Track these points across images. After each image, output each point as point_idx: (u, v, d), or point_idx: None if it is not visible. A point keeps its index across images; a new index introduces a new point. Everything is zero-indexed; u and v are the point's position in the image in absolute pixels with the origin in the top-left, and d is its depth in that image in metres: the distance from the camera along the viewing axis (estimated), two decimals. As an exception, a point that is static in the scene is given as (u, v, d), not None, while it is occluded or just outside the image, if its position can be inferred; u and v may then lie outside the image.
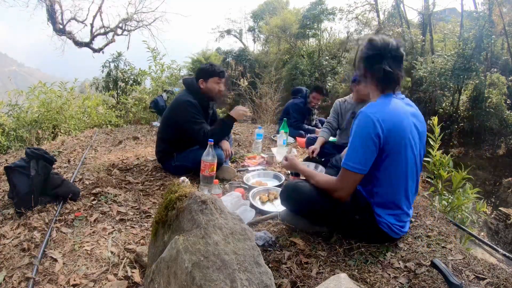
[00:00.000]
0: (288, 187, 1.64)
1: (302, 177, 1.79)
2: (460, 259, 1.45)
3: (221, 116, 2.96)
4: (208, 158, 2.06)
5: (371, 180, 1.44)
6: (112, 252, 1.46)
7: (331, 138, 3.09)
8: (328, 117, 3.05)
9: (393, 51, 1.36)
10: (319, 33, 15.76)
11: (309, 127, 4.05)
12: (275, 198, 2.05)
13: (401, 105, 1.41)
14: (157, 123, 4.83)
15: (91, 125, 5.32)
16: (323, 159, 2.74)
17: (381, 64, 1.34)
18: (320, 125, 4.15)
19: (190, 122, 2.32)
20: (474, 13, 11.30)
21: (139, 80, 7.19)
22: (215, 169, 2.06)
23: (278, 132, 3.54)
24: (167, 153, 2.46)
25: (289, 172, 2.56)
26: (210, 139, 2.06)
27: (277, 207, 1.94)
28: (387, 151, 1.35)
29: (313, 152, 2.73)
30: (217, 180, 1.97)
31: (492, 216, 5.54)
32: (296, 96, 4.17)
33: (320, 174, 1.61)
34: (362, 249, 1.49)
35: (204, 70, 2.41)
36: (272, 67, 14.65)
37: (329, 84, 13.15)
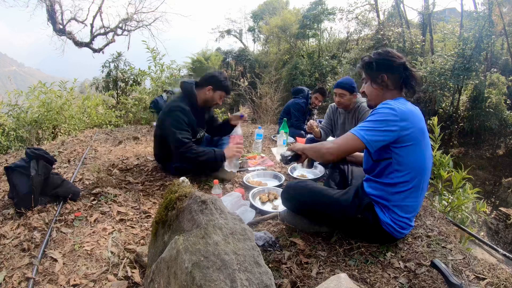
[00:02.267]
0: (289, 187, 1.65)
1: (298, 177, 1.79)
2: (460, 259, 1.45)
3: (221, 116, 2.96)
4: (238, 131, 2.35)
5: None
6: (112, 252, 1.46)
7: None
8: (323, 122, 3.05)
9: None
10: (319, 33, 15.76)
11: None
12: (275, 198, 2.05)
13: (415, 107, 1.46)
14: (157, 123, 4.83)
15: (91, 125, 5.31)
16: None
17: (407, 71, 1.48)
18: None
19: (174, 128, 2.22)
20: (474, 13, 11.30)
21: (139, 80, 7.18)
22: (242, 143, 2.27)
23: (278, 132, 3.54)
24: (165, 155, 2.45)
25: (289, 172, 2.57)
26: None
27: (277, 207, 1.94)
28: (409, 140, 1.36)
29: (312, 125, 2.71)
30: (217, 180, 1.97)
31: (492, 216, 5.54)
32: (297, 96, 4.17)
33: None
34: (362, 249, 1.49)
35: (218, 80, 2.36)
36: (272, 67, 14.67)
37: (329, 84, 13.14)
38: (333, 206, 1.49)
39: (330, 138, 2.41)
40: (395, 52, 1.51)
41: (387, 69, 1.48)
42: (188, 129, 2.29)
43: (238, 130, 2.60)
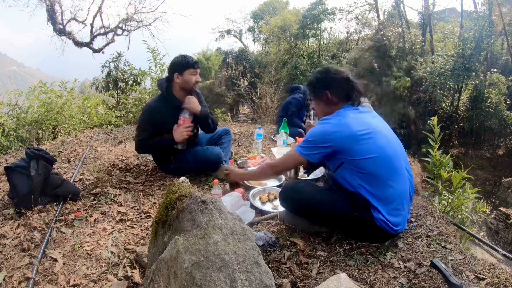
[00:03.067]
0: (287, 187, 1.66)
1: (300, 177, 1.81)
2: (460, 259, 1.45)
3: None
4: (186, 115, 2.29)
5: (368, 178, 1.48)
6: (112, 252, 1.46)
7: None
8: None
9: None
10: (319, 33, 15.77)
11: (302, 124, 4.06)
12: (275, 198, 2.05)
13: (355, 114, 1.57)
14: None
15: (91, 125, 5.31)
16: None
17: (350, 83, 1.63)
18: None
19: (137, 128, 2.36)
20: (474, 13, 11.31)
21: (139, 80, 7.18)
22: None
23: (278, 132, 3.54)
24: (163, 157, 2.45)
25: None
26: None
27: (277, 207, 1.94)
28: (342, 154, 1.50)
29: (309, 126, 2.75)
30: (217, 180, 1.97)
31: (492, 216, 5.54)
32: (294, 93, 4.19)
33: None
34: (362, 249, 1.49)
35: (177, 63, 2.26)
36: (272, 67, 14.67)
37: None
38: (329, 206, 1.50)
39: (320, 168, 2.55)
40: (335, 68, 1.65)
41: (328, 86, 1.59)
42: (147, 129, 2.30)
43: (186, 114, 2.38)
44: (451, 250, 1.51)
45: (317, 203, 1.52)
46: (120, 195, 2.06)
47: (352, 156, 1.46)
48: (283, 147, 3.11)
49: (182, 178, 2.06)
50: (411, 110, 11.56)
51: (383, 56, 12.08)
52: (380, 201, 1.45)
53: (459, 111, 11.18)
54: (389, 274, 1.33)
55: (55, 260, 1.40)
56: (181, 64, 2.25)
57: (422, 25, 12.92)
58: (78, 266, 1.37)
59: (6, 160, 2.98)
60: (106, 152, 3.14)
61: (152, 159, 2.82)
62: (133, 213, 1.85)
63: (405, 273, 1.34)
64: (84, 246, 1.50)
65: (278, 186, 2.30)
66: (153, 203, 2.00)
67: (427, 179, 2.84)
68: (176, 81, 2.28)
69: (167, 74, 2.36)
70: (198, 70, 2.31)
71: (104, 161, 2.82)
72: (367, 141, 1.45)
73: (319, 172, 2.57)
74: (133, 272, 1.33)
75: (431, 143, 2.76)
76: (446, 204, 2.58)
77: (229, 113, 8.50)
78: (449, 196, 2.61)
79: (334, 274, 1.25)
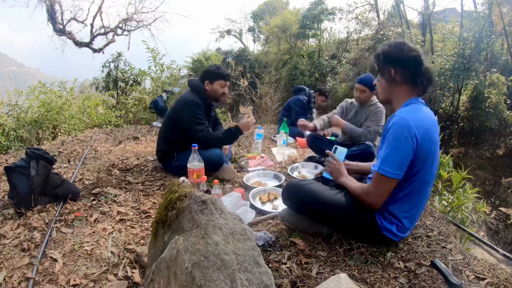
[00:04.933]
0: (290, 185, 1.64)
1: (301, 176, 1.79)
2: (460, 259, 1.45)
3: (221, 116, 2.97)
4: (194, 163, 2.08)
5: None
6: (112, 252, 1.46)
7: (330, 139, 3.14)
8: (334, 110, 3.09)
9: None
10: (319, 33, 15.76)
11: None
12: (275, 198, 2.05)
13: (431, 114, 1.40)
14: (157, 123, 4.84)
15: (91, 125, 5.31)
16: (322, 159, 2.74)
17: (422, 67, 1.35)
18: None
19: (193, 122, 2.33)
20: (474, 13, 11.30)
21: (139, 80, 7.19)
22: (203, 173, 2.07)
23: (278, 132, 3.54)
24: (167, 153, 2.46)
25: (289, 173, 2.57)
26: (193, 145, 2.09)
27: (277, 207, 1.94)
28: (418, 162, 1.31)
29: (306, 125, 2.77)
30: (217, 180, 1.97)
31: (492, 216, 5.54)
32: (298, 94, 4.19)
33: (352, 180, 1.54)
34: (362, 249, 1.49)
35: (211, 72, 2.43)
36: (272, 67, 14.66)
37: (329, 84, 13.16)
38: (333, 206, 1.49)
39: (320, 168, 2.55)
40: (408, 44, 1.38)
41: (394, 62, 1.37)
42: (205, 119, 2.39)
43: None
44: (451, 250, 1.51)
45: (319, 202, 1.50)
46: (120, 195, 2.06)
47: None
48: (283, 147, 3.11)
49: (182, 178, 2.06)
50: (411, 110, 11.51)
51: (383, 56, 12.04)
52: (405, 213, 1.41)
53: (459, 111, 11.18)
54: (389, 274, 1.33)
55: (55, 260, 1.40)
56: (214, 74, 2.41)
57: (422, 25, 12.92)
58: (78, 266, 1.37)
59: (6, 160, 2.98)
60: (106, 152, 3.14)
61: (152, 159, 2.82)
62: (133, 213, 1.85)
63: (405, 273, 1.34)
64: (84, 246, 1.50)
65: (278, 186, 2.30)
66: (153, 203, 2.00)
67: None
68: (206, 88, 2.44)
69: (199, 77, 2.50)
70: (228, 83, 2.46)
71: (104, 161, 2.82)
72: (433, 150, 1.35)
73: (318, 171, 2.57)
74: (133, 272, 1.33)
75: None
76: (446, 204, 2.58)
77: (229, 113, 8.49)
78: (449, 196, 2.62)
79: (334, 274, 1.25)
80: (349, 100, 3.03)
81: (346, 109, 3.01)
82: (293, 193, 1.60)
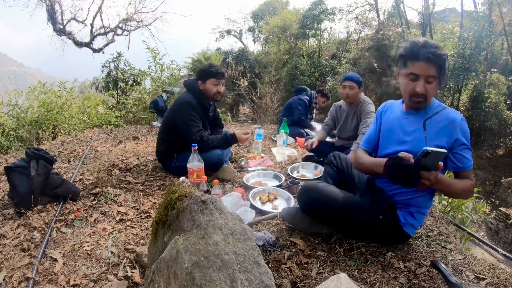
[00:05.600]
0: (309, 187, 1.60)
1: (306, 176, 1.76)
2: (460, 259, 1.45)
3: (222, 116, 2.97)
4: (194, 163, 2.07)
5: None
6: (112, 252, 1.46)
7: (328, 140, 3.16)
8: (325, 120, 3.08)
9: None
10: (319, 33, 15.75)
11: (311, 124, 4.10)
12: (275, 198, 2.05)
13: None
14: (157, 123, 4.84)
15: (91, 125, 5.31)
16: (321, 159, 2.74)
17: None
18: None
19: (187, 124, 2.31)
20: (474, 13, 11.30)
21: (139, 80, 7.19)
22: (203, 173, 2.07)
23: (278, 132, 3.54)
24: (167, 154, 2.46)
25: (290, 173, 2.56)
26: (193, 145, 2.08)
27: (277, 207, 1.94)
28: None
29: (311, 144, 2.76)
30: (217, 180, 1.97)
31: (492, 216, 5.54)
32: (300, 94, 4.20)
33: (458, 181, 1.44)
34: (362, 249, 1.49)
35: (202, 71, 2.40)
36: (272, 67, 14.65)
37: (329, 84, 13.16)
38: (356, 209, 1.47)
39: (320, 168, 2.58)
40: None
41: (444, 66, 1.38)
42: (199, 120, 2.37)
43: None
44: (451, 250, 1.51)
45: (342, 205, 1.48)
46: (120, 195, 2.06)
47: None
48: (283, 147, 3.11)
49: (182, 178, 2.07)
50: (411, 110, 11.52)
51: (383, 56, 12.07)
52: (424, 208, 1.47)
53: (459, 111, 11.18)
54: (389, 274, 1.33)
55: (55, 260, 1.40)
56: (205, 73, 2.37)
57: (422, 25, 12.93)
58: (78, 266, 1.37)
59: (6, 160, 2.98)
60: (106, 152, 3.14)
61: (152, 159, 2.82)
62: (133, 213, 1.85)
63: (405, 273, 1.34)
64: (84, 246, 1.50)
65: (278, 186, 2.30)
66: (153, 203, 2.00)
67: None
68: (200, 88, 2.41)
69: (195, 77, 2.48)
70: (222, 81, 2.40)
71: (104, 161, 2.82)
72: None
73: (319, 172, 2.57)
74: (133, 272, 1.33)
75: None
76: (446, 204, 2.58)
77: (229, 113, 8.49)
78: (449, 196, 2.61)
79: (334, 274, 1.25)
80: (338, 104, 2.99)
81: (336, 114, 2.98)
82: (312, 195, 1.55)
